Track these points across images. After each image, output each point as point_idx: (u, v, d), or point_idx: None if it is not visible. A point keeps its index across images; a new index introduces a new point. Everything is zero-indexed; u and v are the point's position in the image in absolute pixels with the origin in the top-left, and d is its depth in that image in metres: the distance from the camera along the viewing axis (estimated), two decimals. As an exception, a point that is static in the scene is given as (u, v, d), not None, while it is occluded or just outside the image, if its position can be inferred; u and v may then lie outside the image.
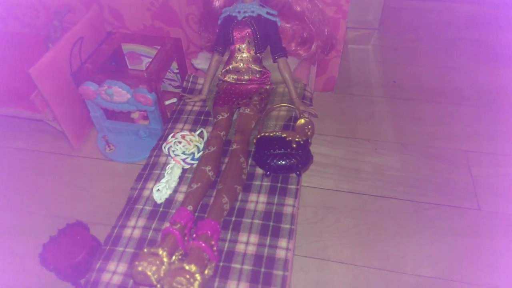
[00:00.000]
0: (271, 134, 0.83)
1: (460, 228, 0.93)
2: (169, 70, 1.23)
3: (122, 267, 0.68)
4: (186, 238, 0.67)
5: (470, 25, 1.59)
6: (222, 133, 0.85)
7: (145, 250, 0.61)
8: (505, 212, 0.95)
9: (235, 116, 0.92)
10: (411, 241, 0.91)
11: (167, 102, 1.20)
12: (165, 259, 0.59)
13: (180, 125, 0.94)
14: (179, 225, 0.66)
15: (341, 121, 1.21)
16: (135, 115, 1.15)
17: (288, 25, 0.97)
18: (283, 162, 0.79)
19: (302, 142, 0.81)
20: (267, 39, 0.93)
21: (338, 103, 1.28)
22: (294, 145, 0.80)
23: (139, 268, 0.57)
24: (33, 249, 0.85)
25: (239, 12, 0.91)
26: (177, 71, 1.20)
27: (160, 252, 0.60)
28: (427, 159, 1.08)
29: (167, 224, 0.72)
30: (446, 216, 0.95)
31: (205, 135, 0.88)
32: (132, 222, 0.74)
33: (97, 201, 1.01)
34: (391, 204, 0.98)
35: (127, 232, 0.73)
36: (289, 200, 0.76)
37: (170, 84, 1.27)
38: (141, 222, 0.74)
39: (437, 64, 1.41)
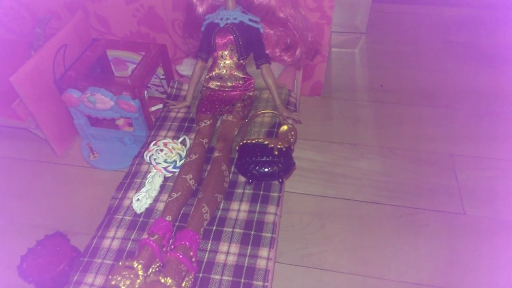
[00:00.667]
0: (253, 141, 0.82)
1: (446, 232, 0.92)
2: (155, 76, 1.22)
3: (100, 280, 0.67)
4: (164, 249, 0.66)
5: (457, 28, 1.60)
6: (204, 141, 0.85)
7: (120, 263, 0.60)
8: (490, 216, 0.95)
9: (218, 123, 0.92)
10: (396, 246, 0.90)
11: (153, 108, 1.19)
12: (140, 272, 0.58)
13: (163, 132, 0.93)
14: (156, 236, 0.65)
15: (328, 126, 1.21)
16: (120, 122, 1.14)
17: (272, 31, 0.97)
18: (265, 170, 0.79)
19: (284, 149, 0.80)
20: (250, 46, 0.92)
21: (325, 108, 1.28)
22: (276, 152, 0.79)
23: (112, 282, 0.56)
24: (11, 261, 0.83)
25: (221, 19, 0.90)
26: (164, 77, 1.19)
27: (135, 265, 0.59)
28: (413, 163, 1.08)
29: (146, 235, 0.72)
30: (432, 221, 0.95)
31: (188, 142, 0.88)
32: (111, 233, 0.73)
33: (80, 210, 1.00)
34: (377, 210, 0.98)
35: (106, 243, 0.72)
36: (271, 208, 0.76)
37: (156, 90, 1.27)
38: (120, 233, 0.73)
39: (424, 68, 1.41)
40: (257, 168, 0.78)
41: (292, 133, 0.85)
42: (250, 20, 0.90)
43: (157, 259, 0.64)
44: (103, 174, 1.08)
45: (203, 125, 0.87)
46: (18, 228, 0.98)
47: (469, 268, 0.86)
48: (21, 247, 0.83)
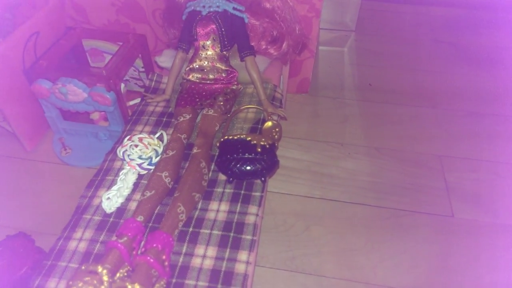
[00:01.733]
0: (235, 138, 0.77)
1: (433, 235, 0.89)
2: (134, 69, 1.16)
3: (63, 285, 0.61)
4: (134, 252, 0.60)
5: (447, 28, 1.58)
6: (183, 136, 0.79)
7: (83, 267, 0.54)
8: (478, 219, 0.92)
9: (198, 118, 0.87)
10: (382, 250, 0.86)
11: (131, 103, 1.13)
12: (105, 278, 0.53)
13: (140, 127, 0.88)
14: (125, 238, 0.59)
15: (315, 124, 1.17)
16: (95, 116, 1.08)
17: (258, 22, 0.92)
18: (247, 168, 0.74)
19: (268, 146, 0.75)
20: (234, 37, 0.87)
21: (312, 106, 1.23)
22: (259, 150, 0.74)
23: (73, 289, 0.51)
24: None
25: (203, 6, 0.85)
26: (143, 69, 1.14)
27: (100, 270, 0.53)
28: (401, 164, 1.04)
29: (115, 237, 0.66)
30: (419, 223, 0.91)
31: (165, 138, 0.82)
32: (78, 234, 0.67)
33: (48, 209, 0.93)
34: (363, 211, 0.94)
35: (72, 245, 0.66)
36: (252, 209, 0.71)
37: (136, 84, 1.21)
38: (88, 234, 0.67)
39: (413, 67, 1.38)
40: (238, 165, 0.73)
41: (277, 129, 0.80)
42: (234, 8, 0.86)
43: (126, 263, 0.59)
44: (75, 171, 1.02)
45: (181, 119, 0.81)
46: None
47: (457, 271, 0.82)
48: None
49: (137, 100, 1.14)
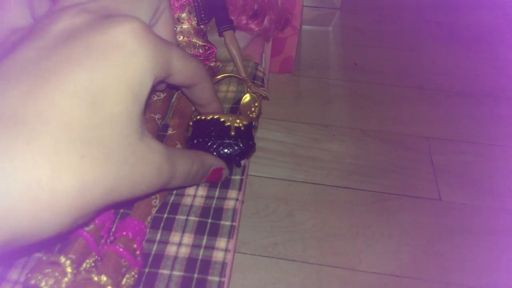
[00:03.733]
0: (208, 118, 0.72)
1: (420, 220, 0.87)
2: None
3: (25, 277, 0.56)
4: (103, 241, 0.56)
5: (436, 7, 1.54)
6: (157, 116, 0.74)
7: (44, 257, 0.49)
8: (466, 202, 0.90)
9: (174, 97, 0.81)
10: (367, 234, 0.84)
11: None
12: (68, 269, 0.48)
13: (112, 107, 0.82)
14: (92, 226, 0.54)
15: (298, 106, 1.12)
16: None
17: (238, -5, 0.86)
18: (221, 152, 0.69)
19: (243, 129, 0.70)
20: (212, 9, 0.81)
21: (295, 86, 1.19)
22: (233, 133, 0.69)
23: (32, 282, 0.46)
24: None
25: (179, -24, 0.79)
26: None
27: (63, 261, 0.48)
28: (387, 146, 1.01)
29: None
30: (406, 207, 0.89)
31: (139, 118, 0.77)
32: (43, 221, 0.62)
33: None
34: (348, 195, 0.91)
35: (36, 233, 0.61)
36: (232, 193, 0.66)
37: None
38: (54, 221, 0.62)
39: (400, 47, 1.35)
40: (211, 150, 0.69)
41: (256, 104, 0.75)
42: (212, -21, 0.80)
43: (93, 253, 0.54)
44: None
45: (155, 98, 0.76)
46: None
47: (444, 257, 0.81)
48: None
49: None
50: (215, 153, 0.70)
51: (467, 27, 1.45)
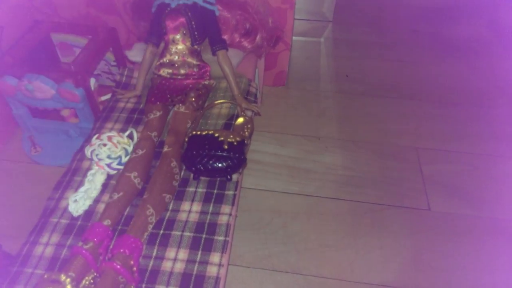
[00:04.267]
0: (203, 133, 0.75)
1: (410, 230, 0.89)
2: (105, 63, 1.12)
3: (28, 293, 0.59)
4: (101, 258, 0.58)
5: (424, 18, 1.57)
6: (153, 134, 0.77)
7: (46, 275, 0.52)
8: (454, 212, 0.92)
9: (170, 115, 0.84)
10: (360, 245, 0.86)
11: (102, 98, 1.09)
12: (68, 287, 0.51)
13: (110, 124, 0.85)
14: (91, 244, 0.57)
15: (292, 118, 1.15)
16: (65, 112, 1.04)
17: (229, 15, 0.90)
18: (213, 165, 0.72)
19: (235, 144, 0.73)
20: (205, 30, 0.84)
21: (289, 99, 1.22)
22: (226, 147, 0.72)
23: (34, 300, 0.49)
24: None
25: (172, -1, 0.82)
26: (115, 63, 1.10)
27: (63, 279, 0.51)
28: (378, 157, 1.04)
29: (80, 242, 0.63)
30: (396, 218, 0.91)
31: (135, 136, 0.80)
32: (44, 238, 0.65)
33: (17, 210, 0.90)
34: (341, 206, 0.93)
35: (39, 250, 0.64)
36: (225, 208, 0.69)
37: (107, 78, 1.17)
38: (55, 238, 0.65)
39: (391, 58, 1.37)
40: (203, 162, 0.71)
41: (248, 125, 0.78)
42: (204, 1, 0.83)
43: (92, 270, 0.57)
44: (46, 170, 0.98)
45: (152, 116, 0.79)
46: None
47: (434, 267, 0.83)
48: None
49: (109, 96, 1.10)
50: (208, 167, 0.73)
51: (455, 38, 1.47)
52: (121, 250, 0.57)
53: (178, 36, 0.83)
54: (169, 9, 0.81)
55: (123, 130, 0.82)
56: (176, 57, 0.84)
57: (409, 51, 1.40)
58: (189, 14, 0.81)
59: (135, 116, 0.87)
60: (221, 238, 0.65)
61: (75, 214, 0.67)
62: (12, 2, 0.99)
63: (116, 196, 0.65)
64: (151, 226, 0.64)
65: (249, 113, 0.85)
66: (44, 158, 0.99)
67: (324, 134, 1.10)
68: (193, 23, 0.81)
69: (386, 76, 1.30)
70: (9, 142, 1.05)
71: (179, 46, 0.84)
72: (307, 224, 0.90)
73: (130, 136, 0.79)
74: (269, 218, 0.91)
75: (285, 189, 0.97)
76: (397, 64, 1.35)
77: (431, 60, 1.37)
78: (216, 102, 0.86)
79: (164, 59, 0.85)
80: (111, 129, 0.83)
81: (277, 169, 1.01)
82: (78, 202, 0.67)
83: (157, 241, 0.64)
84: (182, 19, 0.81)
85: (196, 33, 0.83)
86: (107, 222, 0.61)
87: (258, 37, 0.95)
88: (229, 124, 0.84)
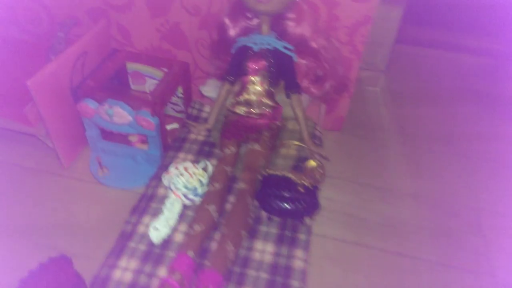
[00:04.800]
0: (279, 174, 0.77)
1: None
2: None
3: (109, 316, 0.60)
4: (185, 290, 0.59)
5: (476, 75, 1.59)
6: (228, 169, 0.80)
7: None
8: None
9: (241, 151, 0.87)
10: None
11: (168, 127, 1.14)
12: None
13: (182, 154, 0.88)
14: (178, 275, 0.59)
15: (349, 164, 1.16)
16: (133, 138, 1.08)
17: (303, 62, 0.93)
18: (287, 206, 0.73)
19: (310, 188, 0.75)
20: (282, 74, 0.88)
21: (344, 144, 1.24)
22: (302, 190, 0.74)
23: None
24: (10, 283, 0.75)
25: (255, 43, 0.87)
26: (182, 95, 1.15)
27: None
28: (436, 210, 1.03)
29: (162, 269, 0.65)
30: (459, 280, 0.88)
31: (209, 168, 0.82)
32: (123, 263, 0.67)
33: (82, 230, 0.93)
34: (403, 263, 0.91)
35: (117, 274, 0.66)
36: (299, 253, 0.70)
37: (172, 109, 1.22)
38: (134, 264, 0.67)
39: (443, 111, 1.39)
40: (277, 202, 0.73)
41: (321, 171, 0.80)
42: (284, 47, 0.87)
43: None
44: (110, 192, 1.01)
45: (228, 152, 0.82)
46: (16, 244, 0.90)
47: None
48: (18, 266, 0.75)
49: (174, 125, 1.14)
50: (283, 207, 0.74)
51: (504, 94, 1.47)
52: (206, 285, 0.58)
53: (258, 78, 0.87)
54: (252, 52, 0.86)
55: (194, 161, 0.85)
56: (254, 97, 0.88)
57: (459, 106, 1.41)
58: (271, 58, 0.85)
59: (206, 148, 0.90)
60: (296, 283, 0.65)
61: (156, 242, 0.68)
62: (95, 30, 1.06)
63: (198, 228, 0.67)
64: (230, 262, 0.65)
65: (316, 157, 0.87)
66: (109, 180, 1.03)
67: (381, 184, 1.10)
68: (272, 67, 0.85)
69: (439, 129, 1.31)
70: (76, 161, 1.10)
71: (257, 87, 0.88)
72: (369, 277, 0.88)
73: (205, 168, 0.82)
74: (329, 267, 0.90)
75: (344, 237, 0.96)
76: (450, 116, 1.36)
77: (478, 113, 1.37)
78: (288, 142, 0.88)
79: (241, 98, 0.88)
80: (184, 159, 0.86)
81: (333, 215, 1.01)
82: (159, 231, 0.69)
83: (235, 279, 0.65)
84: (264, 63, 0.85)
85: (274, 76, 0.87)
86: (190, 253, 0.63)
87: (326, 85, 0.98)
88: (297, 166, 0.86)
